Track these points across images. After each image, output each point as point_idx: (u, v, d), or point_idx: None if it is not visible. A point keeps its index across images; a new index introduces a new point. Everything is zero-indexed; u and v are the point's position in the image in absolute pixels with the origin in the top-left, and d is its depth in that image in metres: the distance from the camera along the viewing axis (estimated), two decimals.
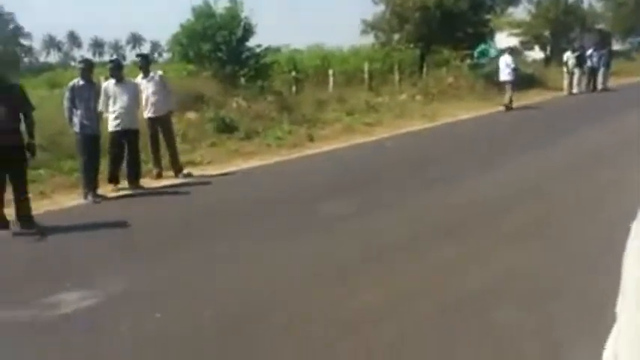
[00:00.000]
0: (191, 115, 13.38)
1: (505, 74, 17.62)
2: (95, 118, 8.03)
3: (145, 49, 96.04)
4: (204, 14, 20.78)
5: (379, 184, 8.31)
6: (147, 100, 9.19)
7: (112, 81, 8.51)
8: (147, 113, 9.25)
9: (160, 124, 9.29)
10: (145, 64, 9.46)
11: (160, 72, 9.79)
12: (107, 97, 8.34)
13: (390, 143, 12.38)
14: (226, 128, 12.79)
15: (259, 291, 4.57)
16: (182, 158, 9.70)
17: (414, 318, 3.95)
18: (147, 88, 9.18)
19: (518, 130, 13.79)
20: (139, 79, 9.24)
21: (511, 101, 17.48)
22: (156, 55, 44.27)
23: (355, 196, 7.47)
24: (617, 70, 26.43)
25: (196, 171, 9.68)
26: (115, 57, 12.98)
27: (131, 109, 8.55)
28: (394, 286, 4.53)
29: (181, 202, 7.89)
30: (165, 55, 39.36)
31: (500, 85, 18.14)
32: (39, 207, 7.27)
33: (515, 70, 17.74)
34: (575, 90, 22.01)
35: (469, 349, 3.51)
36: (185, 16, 21.13)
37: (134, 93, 8.67)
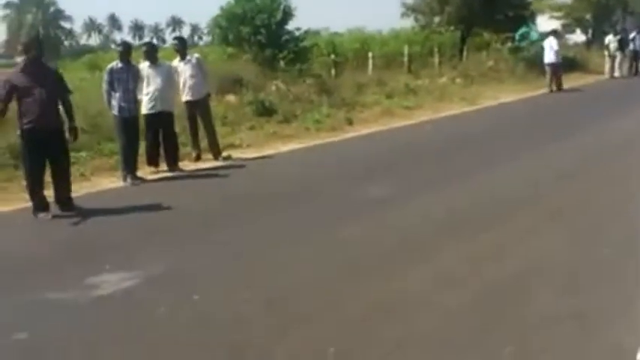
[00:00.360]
0: (230, 97, 13.41)
1: (550, 57, 17.52)
2: (134, 100, 8.06)
3: (185, 32, 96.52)
4: None
5: (418, 167, 8.18)
6: (184, 83, 9.15)
7: (147, 63, 8.49)
8: (185, 96, 9.23)
9: (198, 107, 9.27)
10: (182, 47, 9.42)
11: (196, 55, 9.78)
12: (141, 80, 8.32)
13: (430, 127, 12.21)
14: (265, 111, 12.77)
15: (296, 275, 4.54)
16: (221, 141, 9.71)
17: (458, 301, 3.86)
18: (184, 71, 9.14)
19: (559, 113, 13.44)
20: (176, 61, 9.21)
21: (560, 83, 17.54)
22: (196, 38, 44.47)
23: (396, 180, 7.37)
24: None
25: (236, 154, 9.68)
26: (148, 40, 13.02)
27: (165, 91, 8.51)
28: (438, 270, 4.45)
29: (220, 185, 7.91)
30: (205, 39, 39.55)
31: (544, 68, 17.84)
32: (79, 189, 7.34)
33: (557, 52, 17.68)
34: (616, 74, 21.44)
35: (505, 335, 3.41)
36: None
37: (168, 75, 8.63)
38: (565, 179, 7.24)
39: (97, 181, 8.14)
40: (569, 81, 19.39)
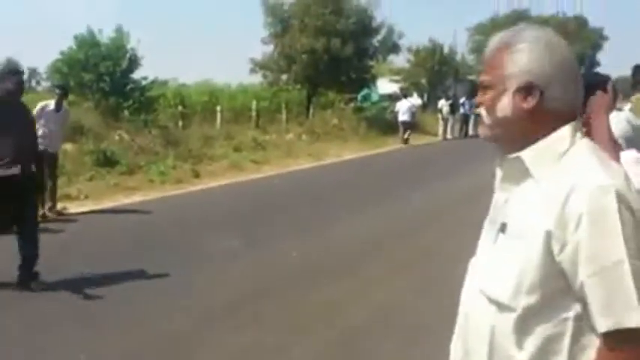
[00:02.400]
0: (68, 146, 12.68)
1: (406, 116, 20.38)
2: None
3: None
4: (87, 43, 20.03)
5: (265, 220, 8.19)
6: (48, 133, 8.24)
7: None
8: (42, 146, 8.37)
9: (51, 159, 8.45)
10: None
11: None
12: None
13: (278, 181, 12.37)
14: (107, 161, 12.25)
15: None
16: (57, 192, 9.06)
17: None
18: (56, 120, 8.45)
19: (401, 171, 14.24)
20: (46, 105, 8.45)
21: (407, 138, 20.27)
22: (33, 82, 41.86)
23: (242, 232, 7.28)
24: None
25: (72, 206, 9.09)
26: None
27: None
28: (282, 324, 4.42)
29: (53, 241, 7.34)
30: (44, 84, 37.39)
31: (384, 128, 19.52)
32: None
33: (414, 113, 21.02)
34: (449, 136, 23.38)
35: None
36: (67, 43, 20.24)
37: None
38: (409, 232, 7.58)
39: None
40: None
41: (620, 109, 4.26)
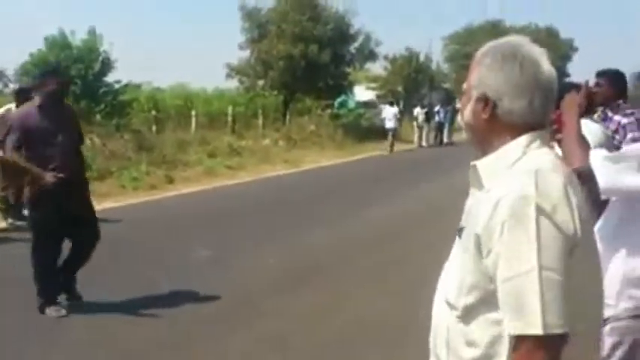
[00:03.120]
0: None
1: (391, 123, 20.70)
2: None
3: None
4: (58, 45, 19.59)
5: (240, 226, 7.98)
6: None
7: None
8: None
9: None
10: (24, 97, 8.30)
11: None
12: None
13: (254, 187, 12.16)
14: None
15: None
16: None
17: None
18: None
19: (378, 178, 14.11)
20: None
21: (392, 145, 20.57)
22: (1, 85, 41.09)
23: (213, 242, 7.04)
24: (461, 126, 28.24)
25: None
26: None
27: None
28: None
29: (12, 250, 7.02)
30: (13, 86, 36.64)
31: (361, 134, 19.49)
32: None
33: (399, 120, 21.66)
34: (424, 143, 23.41)
35: None
36: (36, 44, 19.78)
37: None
38: (387, 240, 7.42)
39: None
40: (384, 148, 20.67)
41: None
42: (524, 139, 1.41)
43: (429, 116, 23.79)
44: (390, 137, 20.64)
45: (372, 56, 27.78)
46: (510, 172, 1.38)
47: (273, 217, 8.86)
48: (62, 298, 4.90)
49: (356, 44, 26.73)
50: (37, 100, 4.85)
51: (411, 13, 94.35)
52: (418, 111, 23.86)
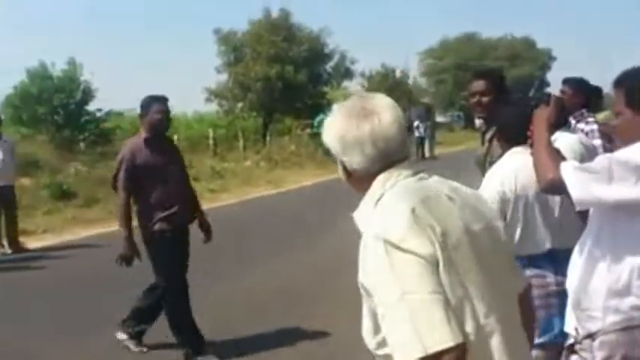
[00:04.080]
0: (25, 180, 12.57)
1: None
2: None
3: None
4: (39, 76, 19.89)
5: (218, 253, 8.21)
6: None
7: None
8: None
9: (5, 193, 8.42)
10: None
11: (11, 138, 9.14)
12: None
13: (237, 209, 12.44)
14: (63, 195, 12.18)
15: None
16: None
17: None
18: (6, 150, 8.34)
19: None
20: None
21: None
22: None
23: (196, 266, 7.29)
24: (442, 140, 28.82)
25: (31, 241, 9.02)
26: None
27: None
28: None
29: (23, 278, 7.30)
30: None
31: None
32: None
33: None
34: None
35: None
36: (19, 77, 20.06)
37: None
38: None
39: None
40: None
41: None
42: (379, 179, 1.51)
43: (408, 131, 24.20)
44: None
45: (348, 74, 28.33)
46: (376, 212, 1.46)
47: (256, 238, 9.12)
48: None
49: (332, 63, 27.28)
50: (143, 133, 4.28)
51: (386, 30, 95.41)
52: None
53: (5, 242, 8.46)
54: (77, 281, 6.85)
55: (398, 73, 37.70)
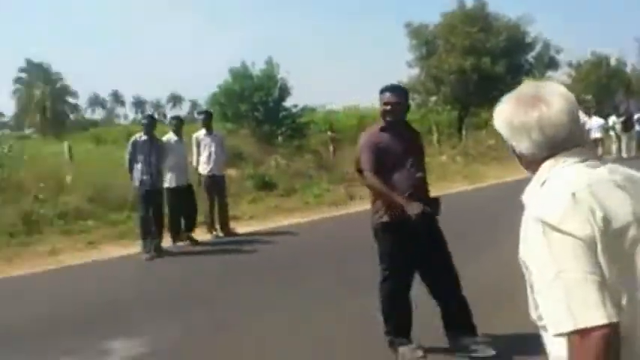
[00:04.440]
0: (232, 171, 13.25)
1: (597, 133, 19.62)
2: (156, 173, 7.80)
3: (185, 107, 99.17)
4: (240, 75, 21.03)
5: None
6: (209, 156, 8.76)
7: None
8: (208, 170, 8.77)
9: (218, 182, 8.91)
10: (208, 120, 9.13)
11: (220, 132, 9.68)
12: (165, 154, 8.06)
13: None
14: (265, 185, 12.67)
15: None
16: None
17: None
18: (209, 145, 8.79)
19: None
20: (201, 134, 8.89)
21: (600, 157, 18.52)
22: (195, 114, 45.31)
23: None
24: None
25: (240, 226, 9.38)
26: (149, 114, 13.11)
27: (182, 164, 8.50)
28: None
29: (250, 258, 7.47)
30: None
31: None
32: (86, 257, 7.44)
33: (606, 130, 20.60)
34: (624, 154, 20.98)
35: None
36: (222, 76, 21.43)
37: (183, 150, 8.57)
38: None
39: (105, 250, 8.09)
40: None
41: None
42: (547, 163, 1.54)
43: (627, 125, 21.52)
44: (600, 148, 19.32)
45: (553, 64, 26.34)
46: (540, 194, 1.50)
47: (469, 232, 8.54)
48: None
49: (533, 53, 25.56)
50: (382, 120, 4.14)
51: (595, 17, 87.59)
52: (614, 120, 21.80)
53: (218, 226, 8.85)
54: (285, 263, 7.01)
55: (613, 61, 33.99)
